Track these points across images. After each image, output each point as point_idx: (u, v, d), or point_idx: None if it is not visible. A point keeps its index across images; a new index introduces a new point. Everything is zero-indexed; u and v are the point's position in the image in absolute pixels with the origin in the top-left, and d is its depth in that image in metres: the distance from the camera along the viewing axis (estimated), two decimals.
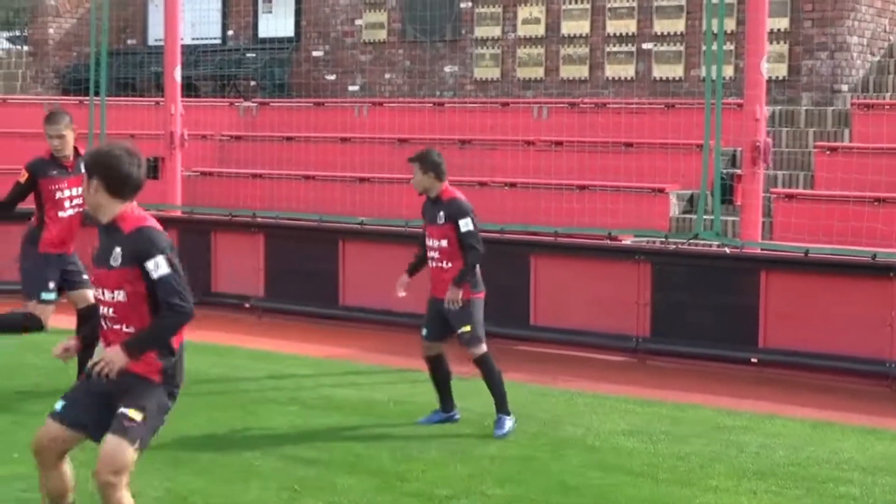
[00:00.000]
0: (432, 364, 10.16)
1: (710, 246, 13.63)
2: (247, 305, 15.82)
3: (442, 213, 9.87)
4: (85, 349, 6.67)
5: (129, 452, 6.01)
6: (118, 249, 6.16)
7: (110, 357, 6.08)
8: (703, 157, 13.76)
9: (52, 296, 10.72)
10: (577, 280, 13.74)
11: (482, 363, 9.92)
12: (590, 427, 10.04)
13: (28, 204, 10.80)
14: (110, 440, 6.02)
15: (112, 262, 6.17)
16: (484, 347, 9.91)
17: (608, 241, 14.06)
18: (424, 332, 10.09)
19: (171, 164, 16.83)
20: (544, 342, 13.91)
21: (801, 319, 12.38)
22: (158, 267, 6.10)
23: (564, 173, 15.74)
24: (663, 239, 14.00)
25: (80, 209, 10.66)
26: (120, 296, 6.18)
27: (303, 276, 15.42)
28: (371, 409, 10.51)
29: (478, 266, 9.96)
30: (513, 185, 15.77)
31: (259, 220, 16.17)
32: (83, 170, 9.21)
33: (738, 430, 10.08)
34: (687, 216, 14.95)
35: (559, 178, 15.66)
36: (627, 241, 14.10)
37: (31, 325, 10.58)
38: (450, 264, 9.87)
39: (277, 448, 9.15)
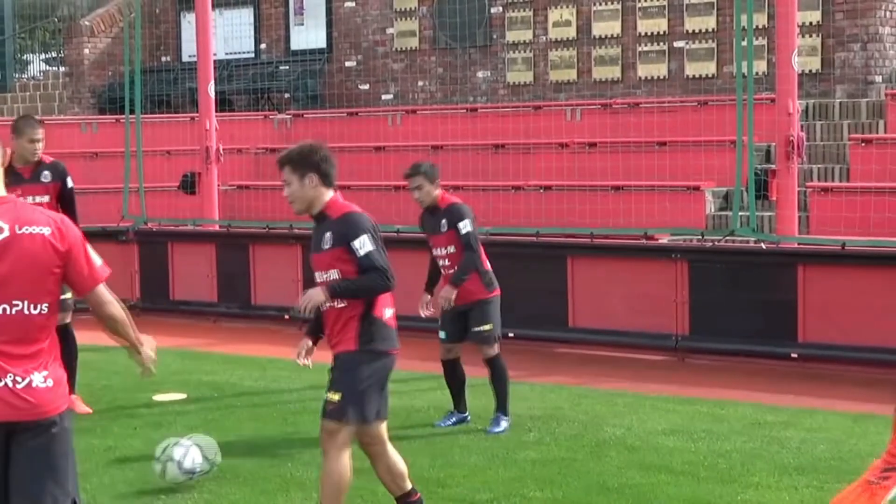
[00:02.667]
0: (449, 367, 10.27)
1: (747, 242, 13.60)
2: (286, 317, 15.86)
3: (444, 221, 9.98)
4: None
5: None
6: (328, 234, 6.93)
7: (311, 294, 6.87)
8: (736, 154, 13.73)
9: None
10: (615, 280, 13.74)
11: (495, 363, 10.10)
12: (630, 427, 10.04)
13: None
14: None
15: (324, 246, 6.95)
16: (498, 348, 10.09)
17: (645, 241, 14.06)
18: (443, 335, 10.19)
19: (207, 178, 16.93)
20: (583, 344, 13.92)
21: (840, 313, 12.33)
22: (363, 245, 6.85)
23: (599, 174, 15.74)
24: (700, 237, 13.98)
25: None
26: (333, 275, 6.90)
27: None
28: (411, 416, 10.53)
29: (488, 264, 10.15)
30: (548, 187, 15.78)
31: (296, 231, 16.23)
32: (42, 178, 10.44)
33: (779, 425, 10.05)
34: (723, 213, 14.92)
35: (594, 179, 15.66)
36: (664, 240, 14.09)
37: None
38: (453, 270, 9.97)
39: (318, 458, 9.13)
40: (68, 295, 10.28)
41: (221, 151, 16.88)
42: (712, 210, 15.09)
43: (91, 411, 10.59)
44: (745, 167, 13.70)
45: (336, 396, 6.97)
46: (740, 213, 13.81)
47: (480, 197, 15.97)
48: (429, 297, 10.30)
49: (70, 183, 10.64)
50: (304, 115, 20.36)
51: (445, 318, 10.12)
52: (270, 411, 10.87)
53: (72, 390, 10.71)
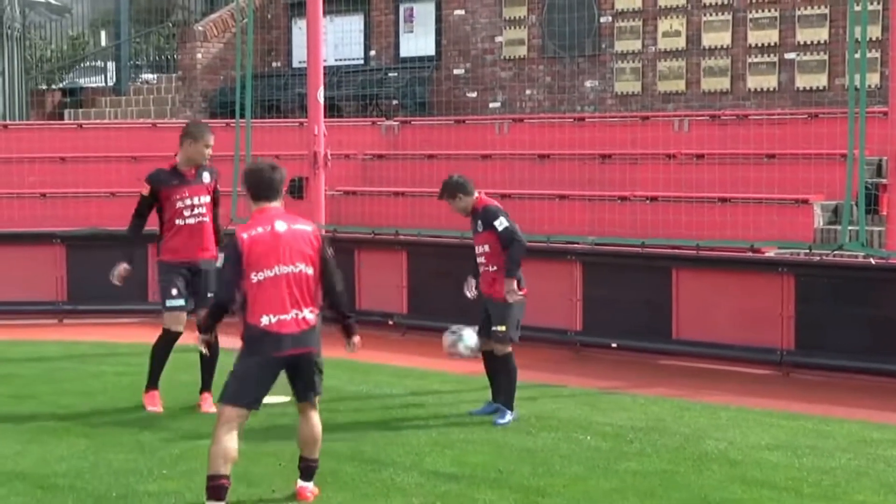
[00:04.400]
0: (486, 358, 10.96)
1: (856, 257, 13.43)
2: (391, 322, 15.98)
3: (480, 222, 10.77)
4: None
5: None
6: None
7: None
8: (847, 167, 13.57)
9: (176, 302, 11.00)
10: (720, 293, 13.65)
11: (505, 361, 10.72)
12: (732, 441, 9.96)
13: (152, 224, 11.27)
14: None
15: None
16: (510, 348, 10.74)
17: (751, 254, 13.94)
18: (477, 328, 10.82)
19: (315, 183, 17.07)
20: (687, 356, 13.83)
21: None
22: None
23: (706, 186, 15.62)
24: (807, 251, 13.83)
25: (203, 219, 11.08)
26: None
27: (445, 292, 15.51)
28: (514, 423, 10.54)
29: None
30: (654, 198, 15.70)
31: (401, 237, 16.34)
32: (204, 179, 11.12)
33: (886, 443, 9.91)
34: (832, 227, 14.73)
35: (700, 191, 15.55)
36: (770, 253, 13.96)
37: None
38: (494, 267, 10.70)
39: (419, 464, 9.24)
40: (182, 302, 10.93)
41: (329, 157, 17.00)
42: (821, 224, 14.91)
43: (160, 411, 11.00)
44: (856, 181, 13.53)
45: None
46: (849, 228, 13.66)
47: (587, 207, 15.95)
48: (472, 280, 11.07)
49: (218, 186, 11.40)
50: (412, 122, 20.45)
51: (482, 314, 10.88)
52: (372, 416, 10.94)
53: (207, 389, 10.92)
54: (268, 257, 7.93)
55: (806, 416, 10.97)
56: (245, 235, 7.96)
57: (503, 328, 10.65)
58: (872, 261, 13.12)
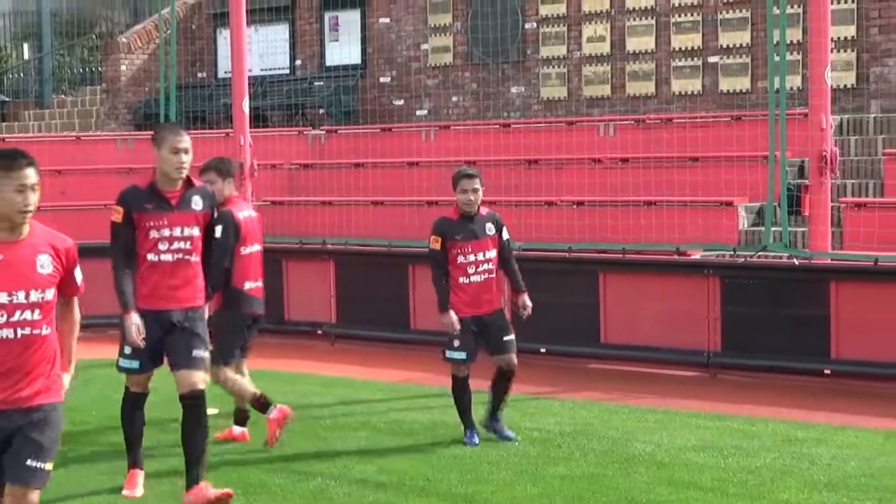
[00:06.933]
0: (498, 374, 10.32)
1: (780, 258, 13.56)
2: (319, 332, 15.94)
3: (490, 225, 10.10)
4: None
5: None
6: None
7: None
8: (769, 169, 13.70)
9: (128, 363, 8.57)
10: (647, 296, 13.73)
11: (514, 373, 10.19)
12: (660, 443, 10.02)
13: None
14: None
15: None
16: None
17: (677, 257, 14.04)
18: (464, 355, 10.10)
19: (241, 194, 16.97)
20: (615, 359, 13.91)
21: (873, 329, 12.28)
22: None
23: (631, 190, 15.72)
24: (732, 252, 13.95)
25: (185, 256, 8.41)
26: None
27: (374, 301, 15.52)
28: (442, 431, 10.54)
29: None
30: (580, 203, 15.76)
31: (329, 247, 16.31)
32: (193, 206, 8.40)
33: (810, 442, 10.01)
34: (756, 229, 14.86)
35: (626, 194, 15.65)
36: (696, 255, 14.07)
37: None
38: (495, 275, 10.14)
39: (348, 473, 9.22)
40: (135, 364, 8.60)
41: (256, 167, 16.94)
42: (745, 226, 15.04)
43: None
44: (778, 182, 13.67)
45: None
46: (773, 229, 13.79)
47: (513, 212, 15.95)
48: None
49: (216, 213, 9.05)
50: (339, 131, 20.41)
51: (467, 334, 10.05)
52: (300, 426, 10.86)
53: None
54: (252, 236, 10.24)
55: (732, 417, 11.06)
56: (240, 216, 10.13)
57: (512, 336, 10.15)
58: (796, 261, 13.25)
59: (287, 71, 23.00)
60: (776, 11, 14.36)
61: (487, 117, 20.23)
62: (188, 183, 8.45)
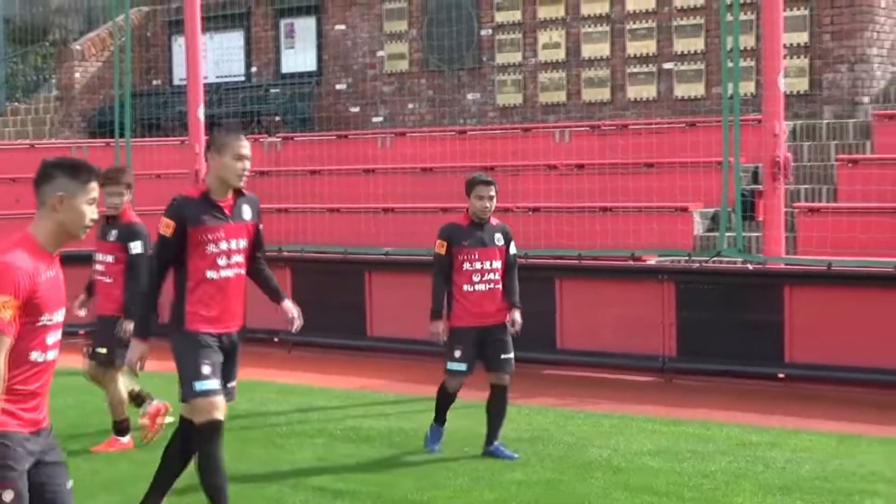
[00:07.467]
0: (494, 392, 10.09)
1: (734, 263, 13.64)
2: (276, 340, 15.89)
3: (499, 235, 9.86)
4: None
5: None
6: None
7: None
8: (723, 175, 13.78)
9: (208, 384, 7.70)
10: (603, 302, 13.78)
11: (506, 388, 10.02)
12: (616, 448, 10.06)
13: None
14: None
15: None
16: None
17: (632, 262, 14.10)
18: (465, 367, 9.90)
19: None
20: (570, 365, 13.96)
21: (827, 333, 12.38)
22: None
23: (587, 196, 15.77)
24: (687, 258, 14.02)
25: (240, 271, 7.82)
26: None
27: (330, 308, 15.49)
28: (398, 439, 10.55)
29: None
30: (536, 209, 15.81)
31: (285, 254, 16.27)
32: (244, 216, 7.78)
33: (765, 445, 10.08)
34: (710, 234, 14.95)
35: (582, 200, 15.70)
36: (651, 261, 14.14)
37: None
38: (500, 286, 9.84)
39: (304, 480, 9.20)
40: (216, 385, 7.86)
41: None
42: (700, 231, 15.12)
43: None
44: (732, 188, 13.76)
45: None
46: (727, 234, 13.87)
47: None
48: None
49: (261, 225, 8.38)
50: (295, 138, 20.39)
51: (469, 344, 9.84)
52: (256, 433, 10.88)
53: None
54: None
55: (687, 422, 11.12)
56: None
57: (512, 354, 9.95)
58: (750, 266, 13.34)
59: (243, 78, 22.95)
60: (730, 18, 14.47)
61: (443, 124, 20.25)
62: (236, 191, 7.80)
